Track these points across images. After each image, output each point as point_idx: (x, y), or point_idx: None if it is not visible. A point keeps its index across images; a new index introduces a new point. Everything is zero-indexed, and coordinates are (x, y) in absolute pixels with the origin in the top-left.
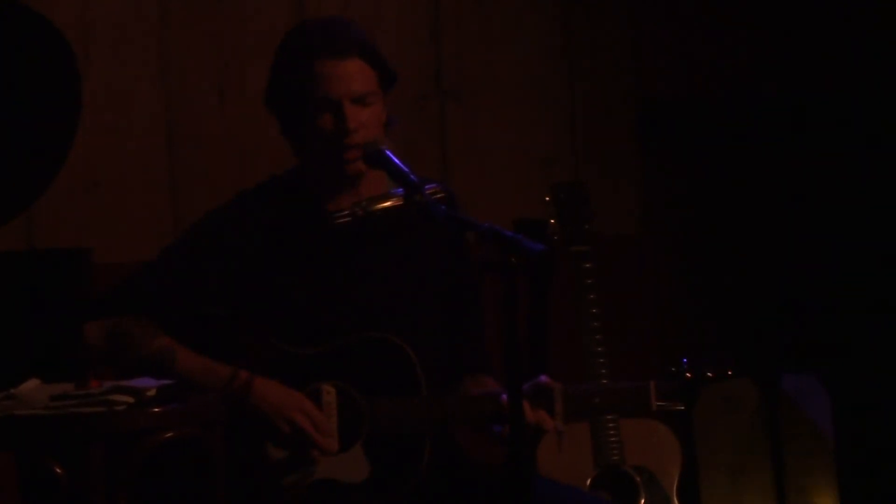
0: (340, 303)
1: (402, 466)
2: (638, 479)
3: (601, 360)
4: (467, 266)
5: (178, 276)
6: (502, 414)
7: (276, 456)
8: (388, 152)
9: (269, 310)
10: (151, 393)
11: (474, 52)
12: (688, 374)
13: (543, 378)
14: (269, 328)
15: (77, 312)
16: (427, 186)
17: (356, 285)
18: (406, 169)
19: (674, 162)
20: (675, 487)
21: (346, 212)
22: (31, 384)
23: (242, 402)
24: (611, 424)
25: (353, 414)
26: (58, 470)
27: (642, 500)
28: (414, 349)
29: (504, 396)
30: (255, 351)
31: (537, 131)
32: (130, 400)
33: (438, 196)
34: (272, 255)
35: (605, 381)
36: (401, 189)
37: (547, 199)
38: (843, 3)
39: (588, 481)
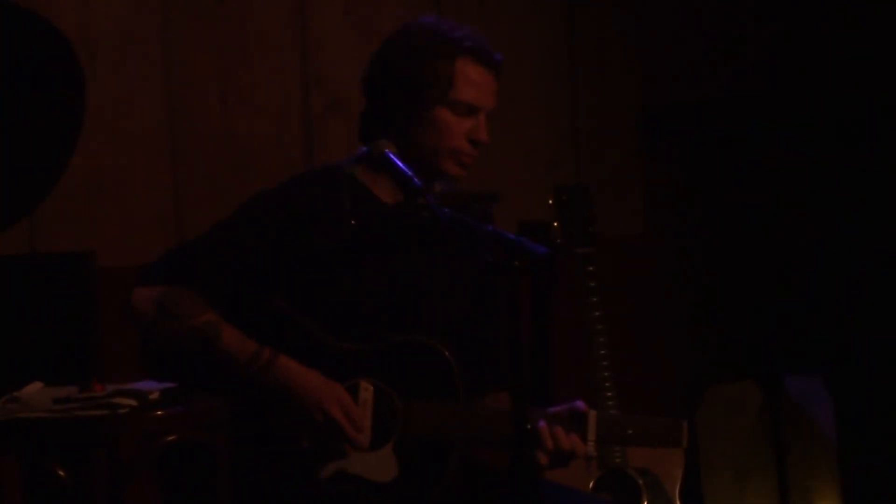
0: (390, 301)
1: (429, 471)
2: (641, 481)
3: (605, 363)
4: (492, 281)
5: (229, 253)
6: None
7: (306, 445)
8: (391, 156)
9: (316, 298)
10: (154, 396)
11: None
12: None
13: (579, 403)
14: (315, 317)
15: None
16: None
17: (407, 285)
18: (409, 173)
19: (677, 164)
20: (678, 490)
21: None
22: (35, 387)
23: (279, 386)
24: None
25: (388, 413)
26: (61, 473)
27: (645, 503)
28: (455, 357)
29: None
30: (298, 340)
31: (541, 134)
32: (134, 403)
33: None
34: (325, 243)
35: (639, 414)
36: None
37: (550, 201)
38: (844, 5)
39: (591, 484)
